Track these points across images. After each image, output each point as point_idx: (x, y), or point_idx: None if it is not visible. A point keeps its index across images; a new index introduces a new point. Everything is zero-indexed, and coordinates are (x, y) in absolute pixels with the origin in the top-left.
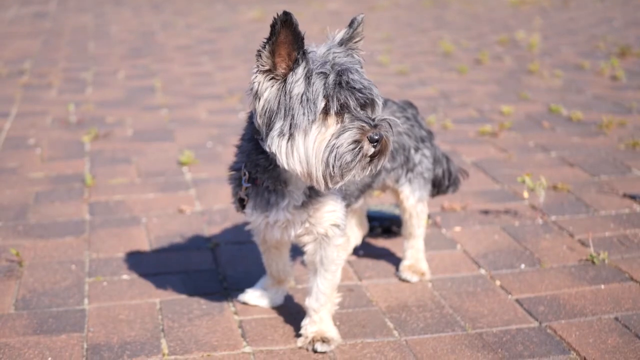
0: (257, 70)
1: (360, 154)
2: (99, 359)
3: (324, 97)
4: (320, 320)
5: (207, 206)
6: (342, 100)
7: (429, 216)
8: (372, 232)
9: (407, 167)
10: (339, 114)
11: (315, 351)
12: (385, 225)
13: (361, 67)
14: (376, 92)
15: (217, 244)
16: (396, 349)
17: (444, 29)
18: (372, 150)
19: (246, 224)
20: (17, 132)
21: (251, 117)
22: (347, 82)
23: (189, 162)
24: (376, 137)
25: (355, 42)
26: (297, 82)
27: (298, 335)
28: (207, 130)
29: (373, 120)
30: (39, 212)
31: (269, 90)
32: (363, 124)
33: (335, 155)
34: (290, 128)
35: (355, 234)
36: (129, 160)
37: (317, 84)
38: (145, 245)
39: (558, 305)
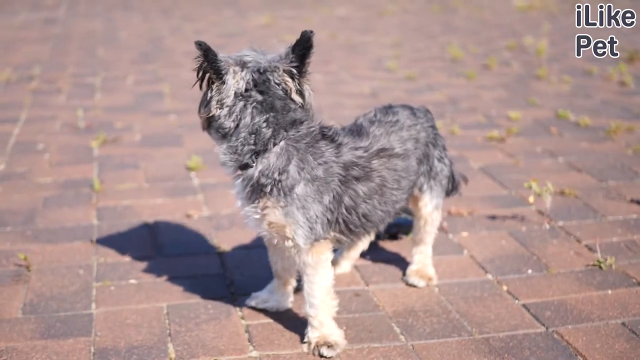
0: None
1: None
2: None
3: None
4: (320, 325)
5: (214, 211)
6: None
7: None
8: (378, 238)
9: (430, 175)
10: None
11: (321, 356)
12: (392, 231)
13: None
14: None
15: (224, 249)
16: (403, 354)
17: (452, 35)
18: None
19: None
20: (26, 137)
21: None
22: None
23: (197, 167)
24: None
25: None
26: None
27: (304, 341)
28: None
29: None
30: (47, 216)
31: None
32: None
33: None
34: None
35: None
36: (137, 165)
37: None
38: (152, 250)
39: (565, 310)
